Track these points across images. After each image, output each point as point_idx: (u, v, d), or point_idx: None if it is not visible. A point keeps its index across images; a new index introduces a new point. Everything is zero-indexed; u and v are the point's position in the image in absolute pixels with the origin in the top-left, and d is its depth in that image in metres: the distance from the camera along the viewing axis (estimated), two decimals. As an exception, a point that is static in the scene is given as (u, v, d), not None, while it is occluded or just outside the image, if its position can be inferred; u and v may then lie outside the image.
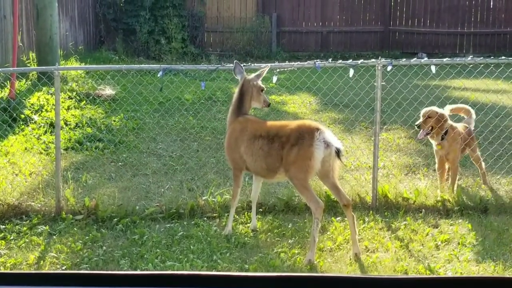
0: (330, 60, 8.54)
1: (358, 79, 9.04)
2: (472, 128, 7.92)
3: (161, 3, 19.12)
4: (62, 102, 10.73)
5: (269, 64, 7.13)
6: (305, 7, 20.30)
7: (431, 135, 7.45)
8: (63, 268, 5.89)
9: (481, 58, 7.79)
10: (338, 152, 5.93)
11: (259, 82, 6.67)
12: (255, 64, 7.68)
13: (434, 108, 7.51)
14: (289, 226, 6.75)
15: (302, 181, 6.02)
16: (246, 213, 7.06)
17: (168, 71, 12.72)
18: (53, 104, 10.29)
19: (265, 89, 6.78)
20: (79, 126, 10.09)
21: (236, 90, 6.74)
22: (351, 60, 7.70)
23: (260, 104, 6.75)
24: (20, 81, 11.85)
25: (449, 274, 5.77)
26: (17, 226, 6.74)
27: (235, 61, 6.89)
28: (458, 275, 5.66)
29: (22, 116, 9.96)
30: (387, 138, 9.91)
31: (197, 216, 7.02)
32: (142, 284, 2.07)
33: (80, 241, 6.39)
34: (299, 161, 5.98)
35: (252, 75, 6.71)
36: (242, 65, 6.82)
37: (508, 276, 5.38)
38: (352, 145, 9.56)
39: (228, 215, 6.76)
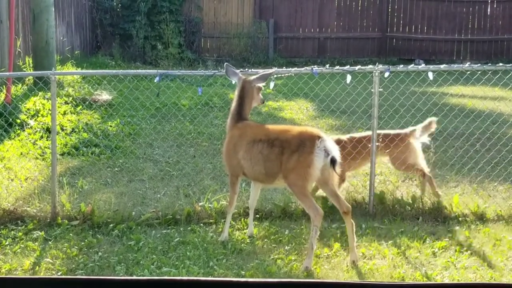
0: (327, 66, 8.54)
1: (355, 85, 9.03)
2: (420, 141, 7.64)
3: (158, 9, 19.12)
4: (58, 107, 10.70)
5: (274, 69, 7.05)
6: (302, 13, 20.32)
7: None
8: (59, 273, 5.87)
9: (479, 64, 7.80)
10: (333, 162, 5.86)
11: (260, 83, 6.64)
12: (252, 70, 7.67)
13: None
14: (286, 233, 6.73)
15: (301, 188, 5.97)
16: (242, 219, 7.04)
17: (165, 77, 12.75)
18: (49, 109, 10.26)
19: (262, 88, 6.79)
20: (75, 131, 10.06)
21: (236, 93, 6.61)
22: (348, 66, 7.68)
23: (258, 103, 6.76)
24: (16, 85, 11.81)
25: (446, 281, 5.75)
26: (12, 232, 6.71)
27: (225, 64, 6.83)
28: (455, 282, 5.64)
29: (18, 121, 9.93)
30: (384, 144, 9.89)
31: (193, 222, 7.00)
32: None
33: (76, 247, 6.36)
34: (298, 168, 5.92)
35: (253, 77, 6.63)
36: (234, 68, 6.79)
37: (505, 282, 5.37)
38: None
39: (224, 221, 6.74)
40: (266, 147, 6.15)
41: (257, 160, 6.21)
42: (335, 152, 5.90)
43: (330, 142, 5.97)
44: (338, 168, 5.97)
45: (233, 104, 6.62)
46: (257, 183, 6.60)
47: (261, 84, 6.66)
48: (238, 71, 6.76)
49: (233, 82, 6.95)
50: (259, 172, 6.26)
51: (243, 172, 6.40)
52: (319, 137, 5.94)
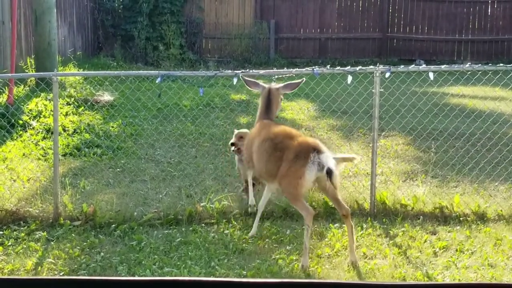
0: (328, 66, 8.55)
1: (356, 86, 9.05)
2: None
3: (159, 10, 19.15)
4: (60, 108, 10.72)
5: (303, 79, 7.07)
6: (303, 13, 20.33)
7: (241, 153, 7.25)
8: (61, 274, 5.89)
9: (479, 65, 7.81)
10: (329, 173, 5.83)
11: (286, 91, 6.89)
12: (253, 71, 7.69)
13: (245, 131, 7.44)
14: (287, 233, 6.75)
15: (292, 195, 6.15)
16: (244, 219, 7.06)
17: (167, 77, 12.77)
18: (51, 110, 10.30)
19: None
20: (77, 132, 10.09)
21: (262, 101, 6.80)
22: (349, 67, 7.70)
23: (279, 108, 7.05)
24: (18, 86, 11.84)
25: (447, 281, 5.77)
26: (14, 232, 6.73)
27: (241, 76, 6.90)
28: (456, 281, 5.65)
29: (20, 122, 9.95)
30: (385, 144, 9.92)
31: (195, 222, 7.02)
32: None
33: (78, 247, 6.38)
34: (290, 177, 6.06)
35: (280, 85, 6.81)
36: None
37: (506, 282, 5.38)
38: (350, 152, 9.54)
39: (226, 221, 6.77)
40: (271, 147, 6.30)
41: (262, 157, 6.38)
42: (331, 164, 5.91)
43: (325, 156, 6.00)
44: (335, 179, 5.96)
45: (260, 111, 6.83)
46: (269, 186, 6.66)
47: (287, 92, 6.88)
48: (258, 81, 6.95)
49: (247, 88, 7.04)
50: (261, 169, 6.45)
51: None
52: (314, 150, 6.00)
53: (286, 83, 6.89)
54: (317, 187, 6.32)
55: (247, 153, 6.74)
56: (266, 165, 6.31)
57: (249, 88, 6.96)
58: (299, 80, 6.92)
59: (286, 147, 6.16)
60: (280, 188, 6.28)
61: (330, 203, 7.19)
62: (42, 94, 11.27)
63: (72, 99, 11.66)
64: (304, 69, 7.70)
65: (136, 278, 5.08)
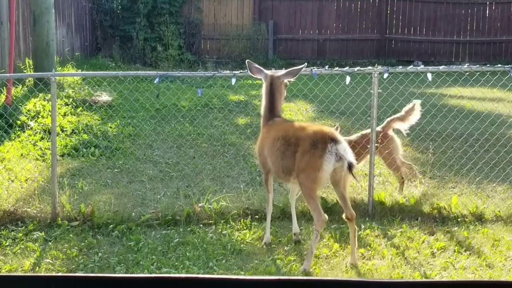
0: (326, 67, 8.54)
1: (354, 87, 9.06)
2: None
3: (158, 10, 19.16)
4: (59, 108, 10.72)
5: (304, 64, 7.00)
6: (301, 14, 20.35)
7: None
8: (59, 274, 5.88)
9: (477, 66, 7.80)
10: (350, 167, 5.79)
11: (288, 78, 6.60)
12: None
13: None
14: (285, 233, 6.74)
15: (309, 190, 5.92)
16: (242, 220, 7.06)
17: (165, 78, 12.75)
18: (49, 110, 10.28)
19: (288, 83, 6.78)
20: (75, 133, 10.08)
21: (265, 91, 6.53)
22: (347, 68, 7.70)
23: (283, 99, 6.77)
24: (16, 87, 11.83)
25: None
26: (12, 232, 6.73)
27: (247, 61, 6.78)
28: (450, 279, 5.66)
29: (18, 122, 9.94)
30: (383, 145, 9.90)
31: (193, 222, 7.01)
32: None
33: (76, 248, 6.38)
34: (308, 170, 5.87)
35: (281, 72, 6.58)
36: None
37: (504, 280, 5.39)
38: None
39: (224, 222, 6.76)
40: (284, 145, 6.11)
41: (276, 157, 6.19)
42: (349, 155, 5.82)
43: (342, 145, 5.87)
44: (353, 171, 5.94)
45: (263, 102, 6.56)
46: (293, 186, 6.56)
47: (289, 80, 6.66)
48: (261, 67, 6.71)
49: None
50: (277, 169, 6.25)
51: (270, 169, 6.41)
52: (332, 140, 5.85)
53: (287, 70, 6.66)
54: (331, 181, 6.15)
55: (261, 159, 6.53)
56: (282, 162, 6.12)
57: (252, 75, 6.68)
58: (301, 66, 6.72)
59: (300, 138, 5.98)
60: (298, 182, 6.04)
61: (328, 204, 7.20)
62: (40, 95, 11.27)
63: (70, 99, 11.66)
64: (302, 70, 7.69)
65: (133, 275, 5.08)
